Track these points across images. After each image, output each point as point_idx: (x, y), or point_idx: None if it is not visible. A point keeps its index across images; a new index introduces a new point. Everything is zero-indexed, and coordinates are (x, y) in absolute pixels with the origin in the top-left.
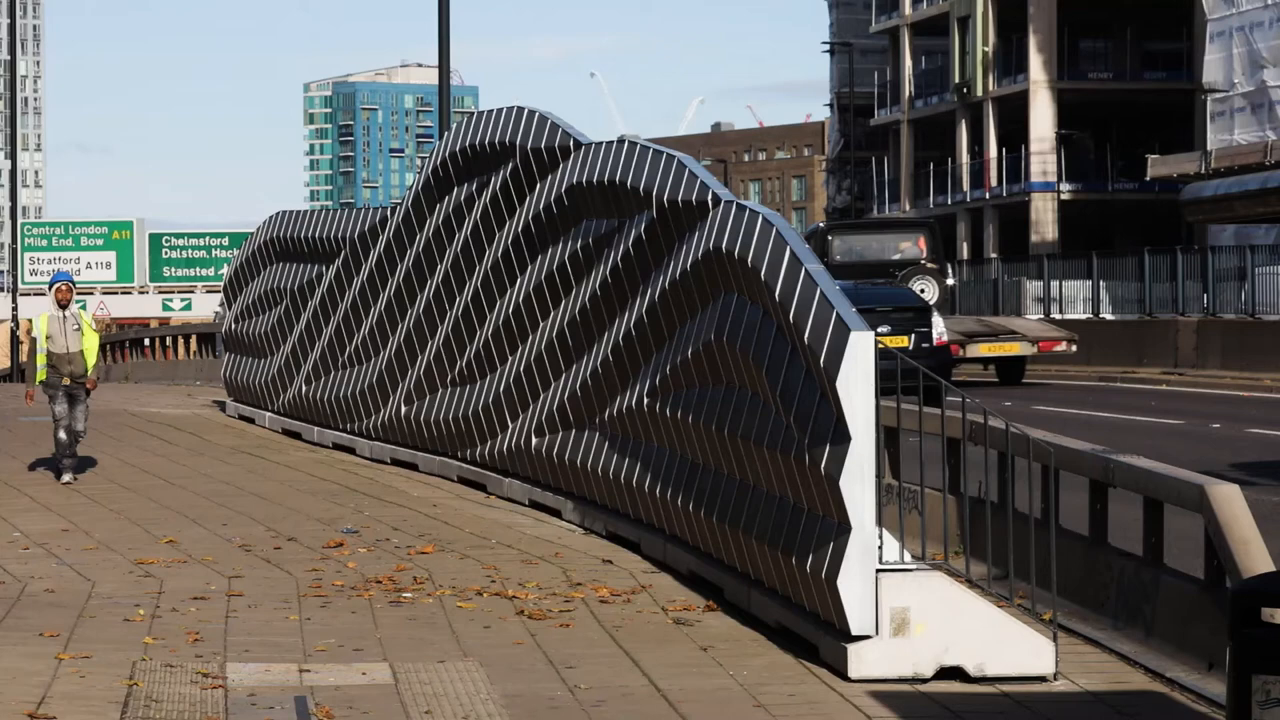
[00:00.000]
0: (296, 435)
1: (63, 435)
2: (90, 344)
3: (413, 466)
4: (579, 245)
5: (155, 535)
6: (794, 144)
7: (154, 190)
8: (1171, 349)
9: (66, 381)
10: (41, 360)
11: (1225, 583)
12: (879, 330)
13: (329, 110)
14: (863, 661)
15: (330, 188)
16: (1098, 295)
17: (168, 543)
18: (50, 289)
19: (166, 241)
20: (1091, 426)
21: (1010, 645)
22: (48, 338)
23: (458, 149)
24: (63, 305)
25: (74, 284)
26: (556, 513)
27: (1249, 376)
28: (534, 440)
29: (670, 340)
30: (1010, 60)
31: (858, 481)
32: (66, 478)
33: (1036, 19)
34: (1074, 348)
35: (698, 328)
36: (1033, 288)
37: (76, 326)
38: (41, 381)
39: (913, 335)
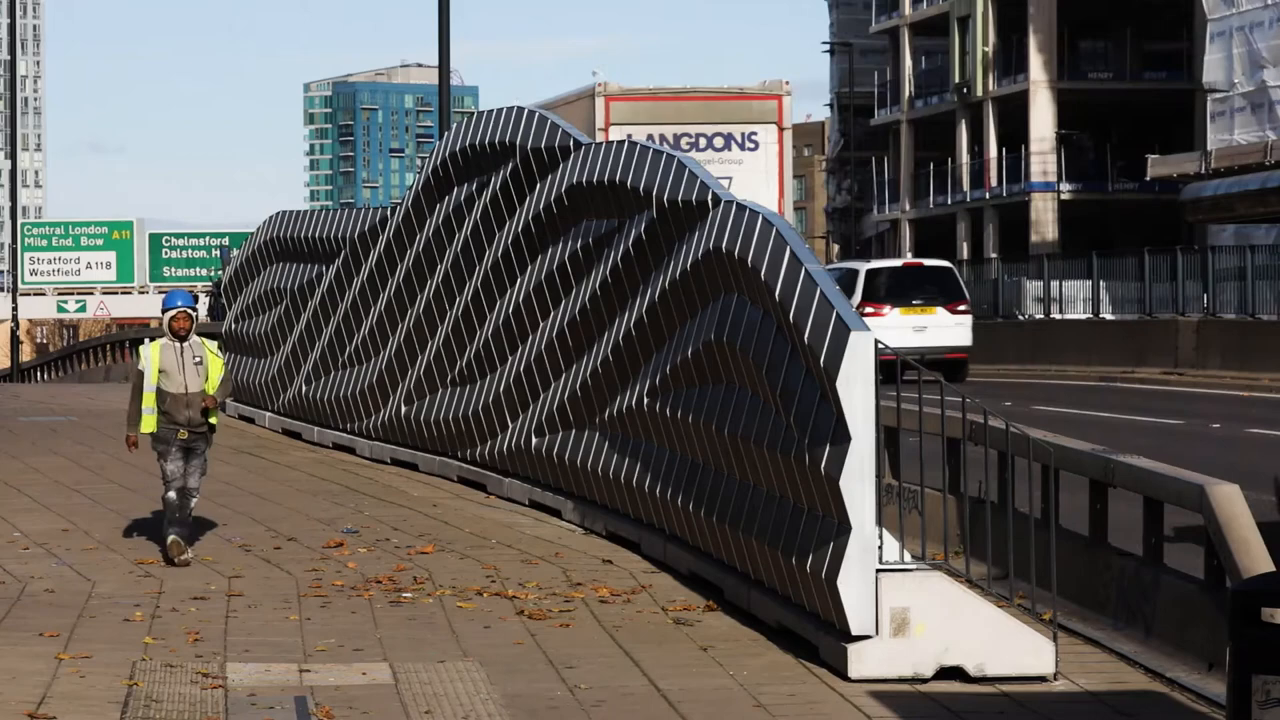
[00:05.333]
0: (296, 435)
1: (172, 495)
2: (216, 378)
3: (413, 466)
4: (579, 245)
5: (155, 535)
6: (794, 144)
7: (154, 190)
8: (1171, 349)
9: (183, 435)
10: (149, 401)
11: (1225, 583)
12: None
13: (329, 110)
14: (863, 661)
15: (330, 188)
16: (1098, 295)
17: None
18: (164, 315)
19: (166, 241)
20: (1091, 426)
21: (1010, 645)
22: (160, 373)
23: (458, 149)
24: (180, 337)
25: (195, 311)
26: (556, 513)
27: (1249, 376)
28: (534, 440)
29: (670, 340)
30: (1010, 60)
31: (858, 481)
32: (184, 555)
33: (1036, 19)
34: None
35: (698, 328)
36: (1032, 288)
37: (199, 359)
38: (151, 434)
39: None
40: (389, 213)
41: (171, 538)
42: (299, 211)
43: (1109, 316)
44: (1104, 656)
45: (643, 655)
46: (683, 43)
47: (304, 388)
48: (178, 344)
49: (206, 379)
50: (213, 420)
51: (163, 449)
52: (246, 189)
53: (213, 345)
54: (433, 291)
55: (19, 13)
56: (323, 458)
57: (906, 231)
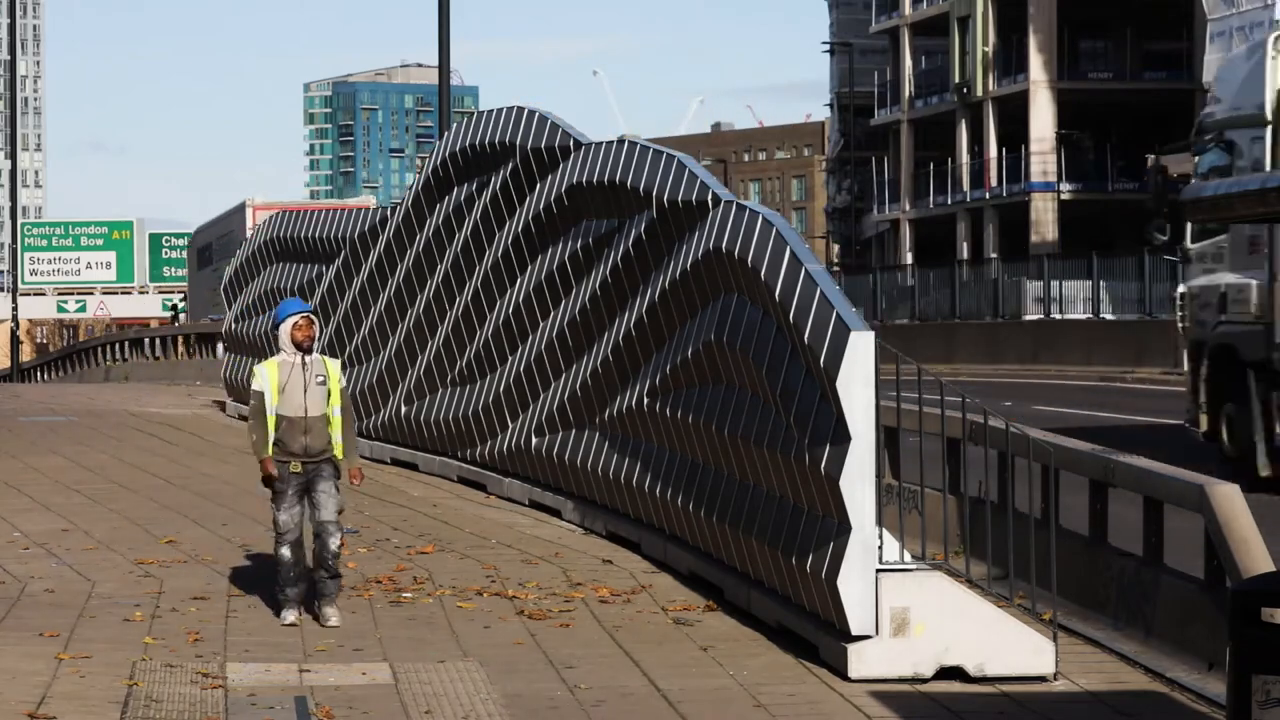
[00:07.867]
0: None
1: (286, 552)
2: (338, 408)
3: (413, 466)
4: (579, 245)
5: (155, 535)
6: (794, 144)
7: (154, 190)
8: (1172, 349)
9: (297, 468)
10: (271, 425)
11: (1225, 583)
12: None
13: (329, 110)
14: (863, 661)
15: (330, 188)
16: (1098, 295)
17: (168, 543)
18: (280, 327)
19: (166, 241)
20: (1091, 426)
21: (1010, 645)
22: (279, 391)
23: (458, 149)
24: (304, 349)
25: (315, 319)
26: (556, 513)
27: None
28: (534, 440)
29: (670, 340)
30: (1010, 60)
31: (858, 481)
32: (333, 619)
33: (1036, 19)
34: None
35: (698, 328)
36: (1033, 288)
37: (321, 379)
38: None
39: None
40: (389, 213)
41: (290, 615)
42: (299, 212)
43: (1109, 316)
44: (1104, 656)
45: (643, 655)
46: (683, 43)
47: None
48: (298, 358)
49: (329, 401)
50: (336, 451)
51: (279, 488)
52: (246, 189)
53: (335, 365)
54: (433, 291)
55: (19, 13)
56: None
57: (906, 231)
